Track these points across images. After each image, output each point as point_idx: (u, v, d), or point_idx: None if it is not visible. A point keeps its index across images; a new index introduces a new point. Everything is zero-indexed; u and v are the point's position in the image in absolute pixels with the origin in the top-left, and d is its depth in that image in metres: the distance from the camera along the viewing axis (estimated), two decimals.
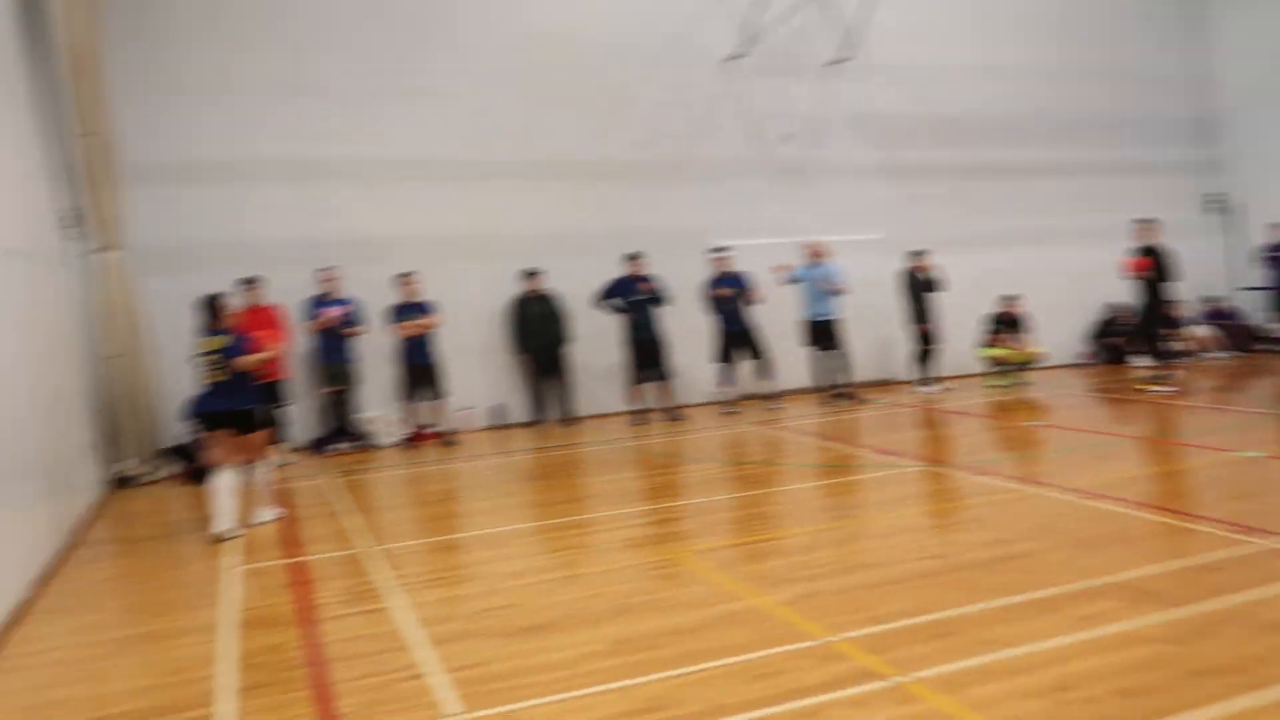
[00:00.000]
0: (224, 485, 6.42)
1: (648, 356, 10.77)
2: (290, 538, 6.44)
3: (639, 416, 10.82)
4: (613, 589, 4.95)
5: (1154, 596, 4.29)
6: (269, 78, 10.38)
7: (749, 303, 11.15)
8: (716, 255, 11.15)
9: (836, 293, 11.27)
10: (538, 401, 11.02)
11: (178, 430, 9.25)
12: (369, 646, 4.35)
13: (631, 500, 7.31)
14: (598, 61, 11.74)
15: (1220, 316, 14.53)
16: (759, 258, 11.58)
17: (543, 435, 10.51)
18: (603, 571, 5.31)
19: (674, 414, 10.93)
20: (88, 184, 8.52)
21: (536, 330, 10.74)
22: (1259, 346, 14.36)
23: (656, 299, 10.80)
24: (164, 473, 8.99)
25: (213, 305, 6.64)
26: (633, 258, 10.81)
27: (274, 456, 7.50)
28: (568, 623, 4.46)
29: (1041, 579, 4.63)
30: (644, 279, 10.82)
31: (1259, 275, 14.08)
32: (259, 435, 6.80)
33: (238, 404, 6.58)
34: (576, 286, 11.06)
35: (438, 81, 11.05)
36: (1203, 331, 14.12)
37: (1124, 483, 6.59)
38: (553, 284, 11.00)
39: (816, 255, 11.37)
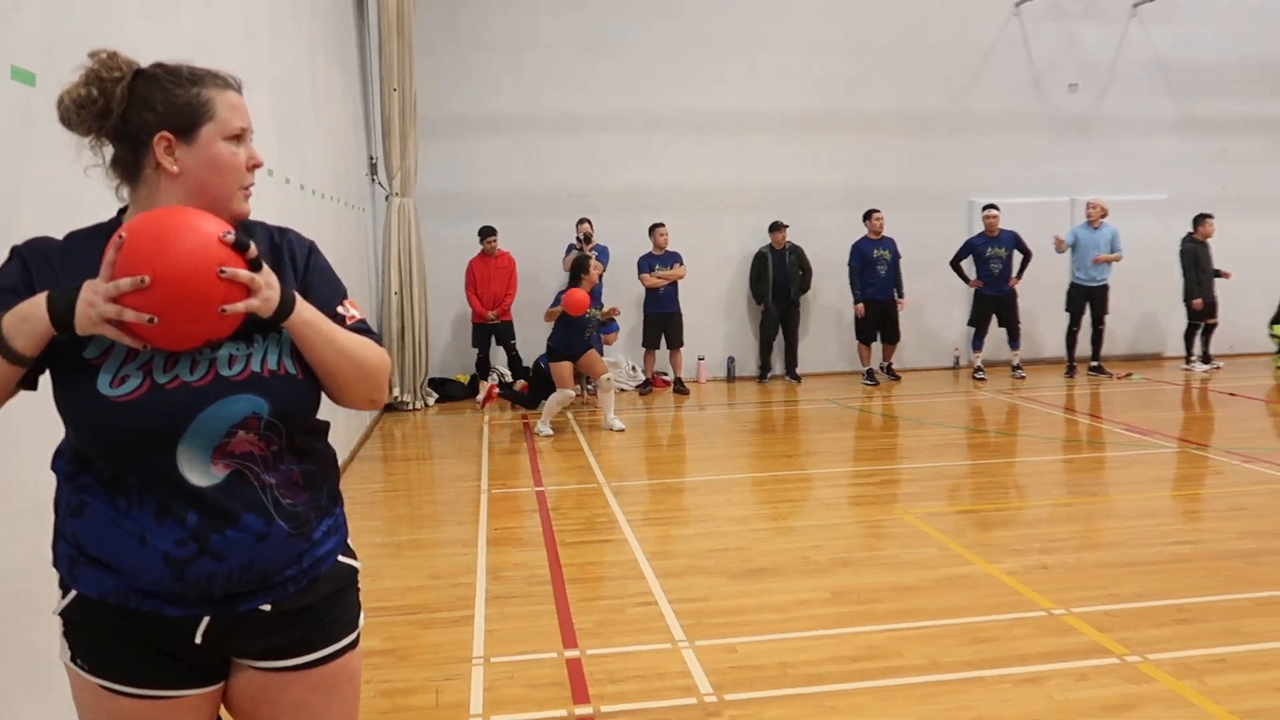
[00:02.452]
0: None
1: (882, 316, 10.58)
2: (535, 470, 7.01)
3: (869, 377, 10.69)
4: (834, 542, 5.05)
5: None
6: (567, 37, 10.86)
7: (1023, 265, 10.59)
8: (988, 214, 10.63)
9: (1112, 259, 10.47)
10: (766, 355, 11.13)
11: (443, 362, 10.22)
12: (604, 572, 4.72)
13: (857, 459, 7.32)
14: (871, 4, 11.38)
15: None
16: (1029, 218, 10.97)
17: (768, 389, 10.63)
18: (825, 525, 5.41)
19: (890, 373, 10.76)
20: (390, 136, 9.46)
21: (775, 283, 10.81)
22: None
23: (895, 259, 10.54)
24: (428, 401, 9.94)
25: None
26: (870, 215, 10.59)
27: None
28: (788, 569, 4.62)
29: None
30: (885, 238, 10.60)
31: None
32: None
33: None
34: (829, 241, 10.95)
35: (718, 35, 11.05)
36: None
37: None
38: (805, 239, 10.94)
39: (1095, 216, 10.56)
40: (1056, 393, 9.89)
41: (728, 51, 11.08)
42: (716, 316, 11.40)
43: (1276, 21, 11.91)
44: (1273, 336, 11.25)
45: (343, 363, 1.58)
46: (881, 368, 10.86)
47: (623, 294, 10.44)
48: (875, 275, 10.52)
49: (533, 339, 9.92)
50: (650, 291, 10.45)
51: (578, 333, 8.21)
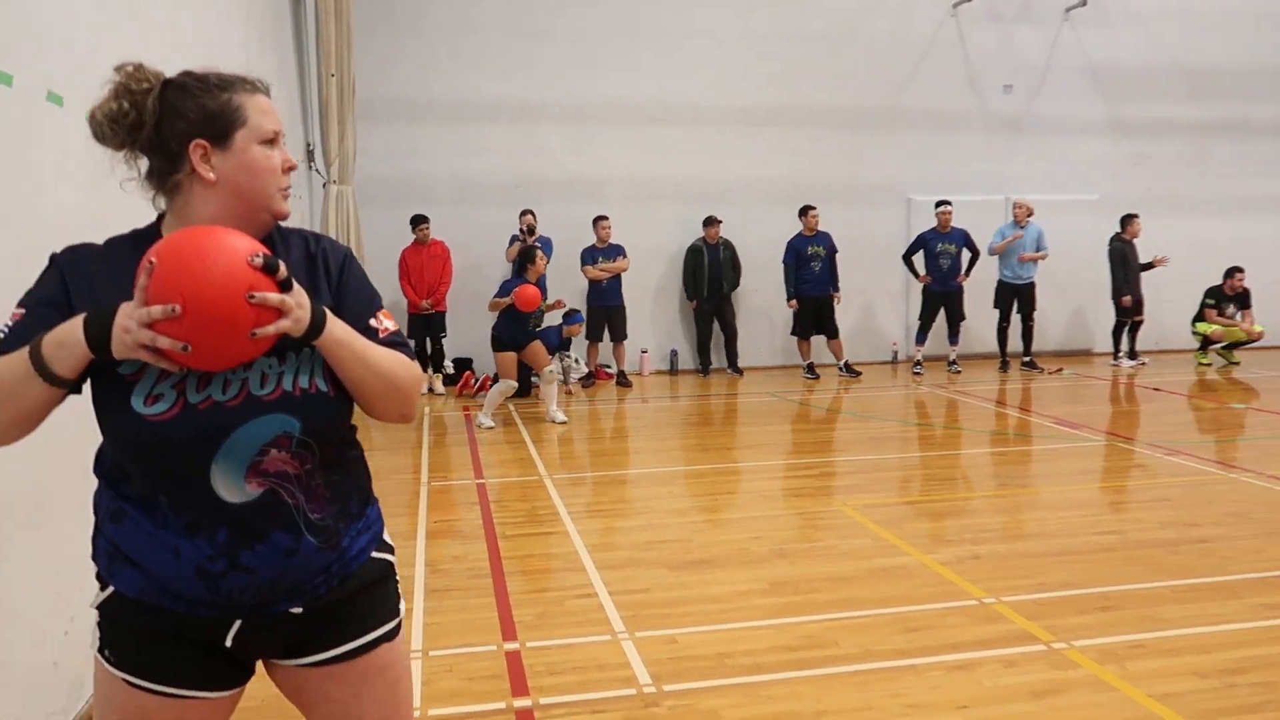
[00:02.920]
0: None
1: (818, 312, 10.70)
2: (476, 462, 6.96)
3: (810, 371, 10.82)
4: (773, 534, 5.11)
5: None
6: (507, 22, 10.74)
7: (970, 263, 10.83)
8: (941, 210, 10.83)
9: (1037, 257, 10.77)
10: (705, 349, 11.20)
11: None
12: (545, 564, 4.72)
13: (796, 452, 7.41)
14: (819, 1, 11.50)
15: None
16: (965, 216, 11.21)
17: (710, 383, 10.71)
18: (764, 516, 5.48)
19: (849, 370, 10.86)
20: (328, 122, 9.28)
21: (707, 277, 10.88)
22: None
23: (830, 255, 10.65)
24: None
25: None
26: (806, 211, 10.68)
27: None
28: (728, 561, 4.67)
29: (1224, 564, 4.44)
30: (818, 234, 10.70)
31: None
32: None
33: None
34: (768, 236, 11.06)
35: (659, 25, 11.06)
36: None
37: None
38: (743, 233, 11.04)
39: (1022, 216, 10.84)
40: (990, 387, 10.13)
41: (669, 41, 11.12)
42: (660, 309, 11.45)
43: (1198, 30, 12.32)
44: (1195, 334, 11.66)
45: (374, 380, 1.59)
46: (840, 367, 10.97)
47: (566, 287, 10.42)
48: (810, 271, 10.62)
49: (473, 330, 9.85)
50: (593, 284, 10.45)
51: (522, 325, 8.18)
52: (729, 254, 10.89)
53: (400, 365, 1.64)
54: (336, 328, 1.54)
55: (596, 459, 7.29)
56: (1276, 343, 12.43)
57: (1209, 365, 11.41)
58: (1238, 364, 11.39)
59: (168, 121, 1.51)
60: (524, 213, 10.23)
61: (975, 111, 12.01)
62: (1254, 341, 11.56)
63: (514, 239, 10.31)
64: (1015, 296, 10.93)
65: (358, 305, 1.67)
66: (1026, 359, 11.14)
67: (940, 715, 3.13)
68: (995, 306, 11.07)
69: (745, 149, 11.37)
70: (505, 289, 8.19)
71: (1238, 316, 11.49)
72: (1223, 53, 12.40)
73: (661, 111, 11.14)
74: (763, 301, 11.50)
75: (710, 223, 10.82)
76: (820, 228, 10.70)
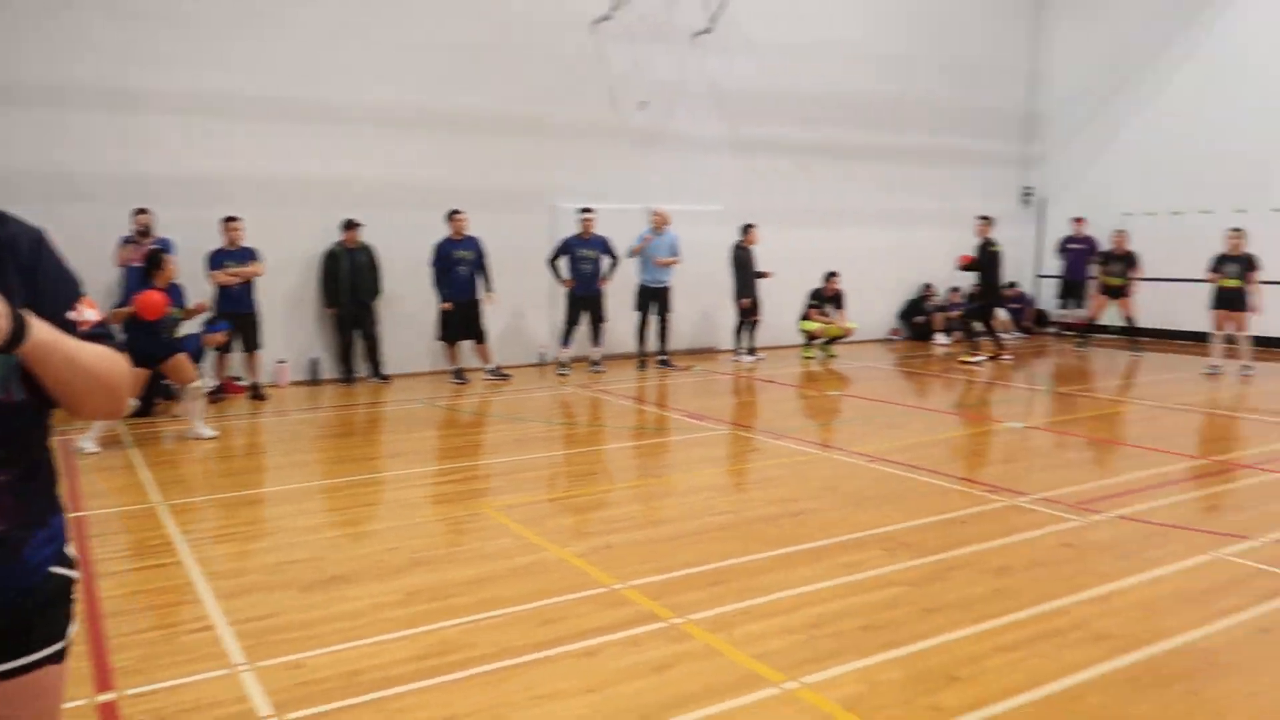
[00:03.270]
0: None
1: (465, 316, 10.72)
2: (74, 492, 6.14)
3: (458, 376, 10.80)
4: (412, 542, 5.02)
5: (908, 546, 4.76)
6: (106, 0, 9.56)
7: (610, 268, 11.31)
8: (585, 217, 11.18)
9: (671, 261, 11.57)
10: (348, 357, 10.79)
11: None
12: (154, 600, 4.26)
13: (440, 458, 7.35)
14: (461, 6, 11.44)
15: (1015, 301, 15.85)
16: (606, 223, 11.74)
17: (355, 392, 10.34)
18: (403, 526, 5.37)
19: (498, 374, 10.98)
20: None
21: (346, 283, 10.48)
22: (1045, 330, 15.83)
23: (478, 259, 10.72)
24: None
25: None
26: (452, 215, 10.66)
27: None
28: (362, 575, 4.51)
29: (815, 532, 5.04)
30: (467, 238, 10.73)
31: (1057, 265, 15.45)
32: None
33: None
34: (414, 240, 10.85)
35: (282, 10, 10.43)
36: (1000, 314, 15.34)
37: (905, 448, 7.18)
38: (385, 236, 10.74)
39: (659, 223, 11.60)
40: (629, 385, 10.73)
41: (305, 34, 10.54)
42: (297, 317, 10.82)
43: (801, 62, 13.94)
44: (801, 331, 13.19)
45: (83, 381, 1.46)
46: (488, 371, 10.99)
47: (191, 293, 9.50)
48: (458, 275, 10.62)
49: None
50: (223, 290, 9.64)
51: (152, 335, 7.33)
52: (368, 259, 10.56)
53: (108, 361, 1.53)
54: (40, 331, 1.38)
55: (223, 480, 6.72)
56: (864, 337, 14.42)
57: (813, 358, 12.94)
58: (835, 357, 13.03)
59: None
60: (137, 211, 9.20)
61: (615, 125, 12.68)
62: (847, 336, 13.31)
63: (125, 240, 9.24)
64: (653, 299, 11.69)
65: (56, 296, 1.53)
66: (662, 357, 11.94)
67: (569, 701, 3.24)
68: (636, 309, 11.76)
69: (388, 151, 11.08)
70: (129, 298, 7.32)
71: (834, 315, 13.15)
72: (821, 83, 14.16)
73: (298, 109, 10.54)
74: (411, 307, 11.28)
75: (349, 226, 10.42)
76: (469, 232, 10.72)
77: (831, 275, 13.20)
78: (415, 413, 9.12)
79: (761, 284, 12.49)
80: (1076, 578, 4.32)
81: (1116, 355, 13.21)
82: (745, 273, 12.28)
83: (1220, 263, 11.04)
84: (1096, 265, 13.82)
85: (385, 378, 10.81)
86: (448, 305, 10.61)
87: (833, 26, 14.17)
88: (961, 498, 5.72)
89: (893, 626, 3.76)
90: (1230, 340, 11.15)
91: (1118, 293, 13.38)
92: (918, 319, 15.17)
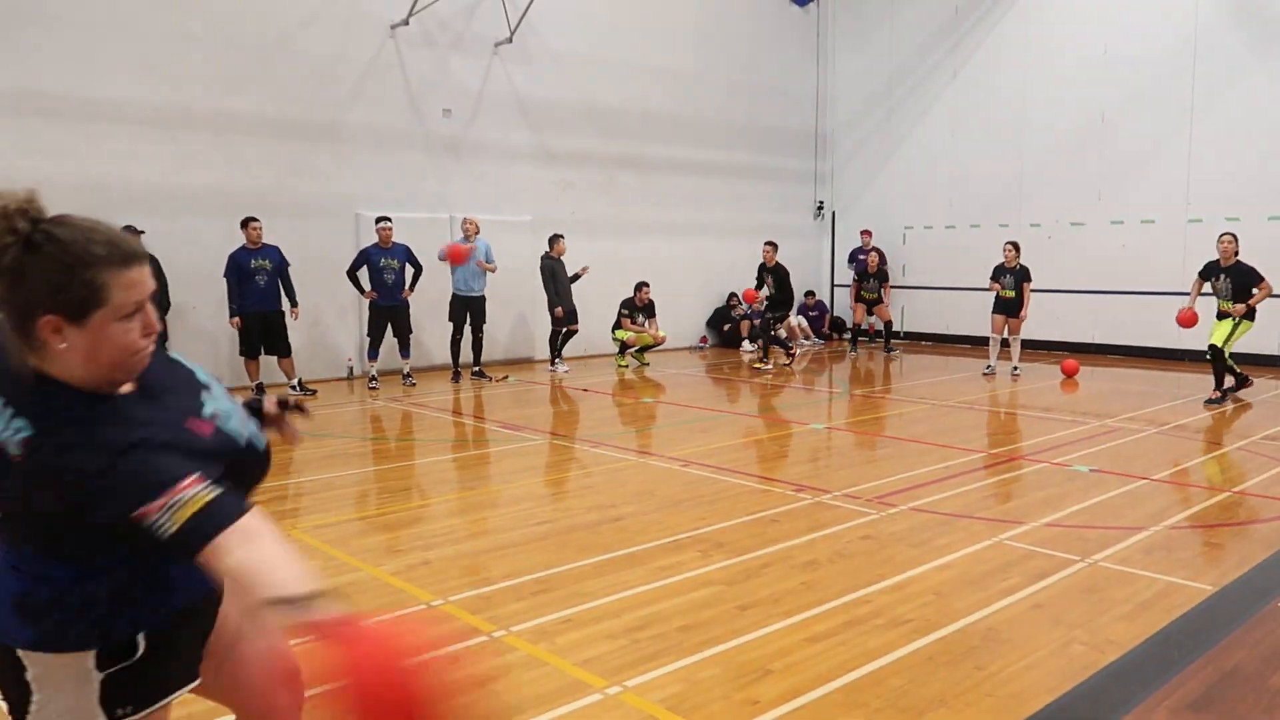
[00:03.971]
0: None
1: (266, 329, 10.17)
2: None
3: (259, 392, 10.24)
4: None
5: (723, 546, 4.92)
6: None
7: (414, 277, 11.01)
8: (382, 226, 10.81)
9: (485, 271, 11.42)
10: None
11: None
12: None
13: None
14: (248, 2, 10.79)
15: (811, 309, 16.75)
16: (412, 232, 11.45)
17: None
18: None
19: (303, 389, 10.49)
20: None
21: None
22: (840, 336, 16.81)
23: (278, 269, 10.20)
24: None
25: None
26: (244, 224, 10.09)
27: None
28: None
29: (634, 537, 5.12)
30: (267, 247, 10.19)
31: (847, 275, 16.44)
32: None
33: None
34: (206, 250, 10.18)
35: (53, 8, 9.51)
36: (798, 321, 16.18)
37: (717, 451, 7.43)
38: (169, 245, 10.02)
39: (471, 232, 11.40)
40: (444, 397, 10.53)
41: (63, 24, 9.68)
42: None
43: (603, 76, 14.18)
44: (614, 340, 13.38)
45: None
46: (292, 386, 10.46)
47: None
48: (255, 286, 10.06)
49: None
50: None
51: None
52: (154, 270, 9.80)
53: None
54: None
55: None
56: (675, 345, 14.81)
57: (626, 367, 13.15)
58: (648, 365, 13.30)
59: (22, 285, 1.49)
60: None
61: (418, 132, 12.40)
62: (659, 345, 13.62)
63: None
64: (468, 309, 11.51)
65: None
66: (477, 369, 11.79)
67: None
68: (450, 320, 11.54)
69: (166, 154, 10.33)
70: None
71: (646, 324, 13.43)
72: (624, 97, 14.42)
73: (54, 104, 9.65)
74: (204, 320, 10.60)
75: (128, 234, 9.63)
76: (266, 240, 10.18)
77: (642, 285, 13.48)
78: None
79: (575, 294, 12.56)
80: (877, 568, 4.60)
81: (893, 360, 14.20)
82: (556, 282, 12.32)
83: (998, 274, 12.10)
84: (855, 282, 14.89)
85: None
86: (236, 320, 10.01)
87: (632, 44, 14.53)
88: (771, 497, 5.98)
89: (710, 625, 3.88)
90: (1005, 344, 12.23)
91: (873, 304, 14.52)
92: (725, 327, 15.74)
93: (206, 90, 10.55)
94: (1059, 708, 3.21)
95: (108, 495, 1.51)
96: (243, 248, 10.06)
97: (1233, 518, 5.61)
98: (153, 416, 1.62)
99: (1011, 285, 11.95)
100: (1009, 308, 12.02)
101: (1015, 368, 12.05)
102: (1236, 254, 9.73)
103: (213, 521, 1.52)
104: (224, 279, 10.02)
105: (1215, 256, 9.88)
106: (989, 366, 12.23)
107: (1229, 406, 9.57)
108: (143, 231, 9.73)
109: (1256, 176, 12.56)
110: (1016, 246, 12.09)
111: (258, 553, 1.53)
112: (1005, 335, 12.18)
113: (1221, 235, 9.88)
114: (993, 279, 12.14)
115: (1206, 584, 4.37)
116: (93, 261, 1.52)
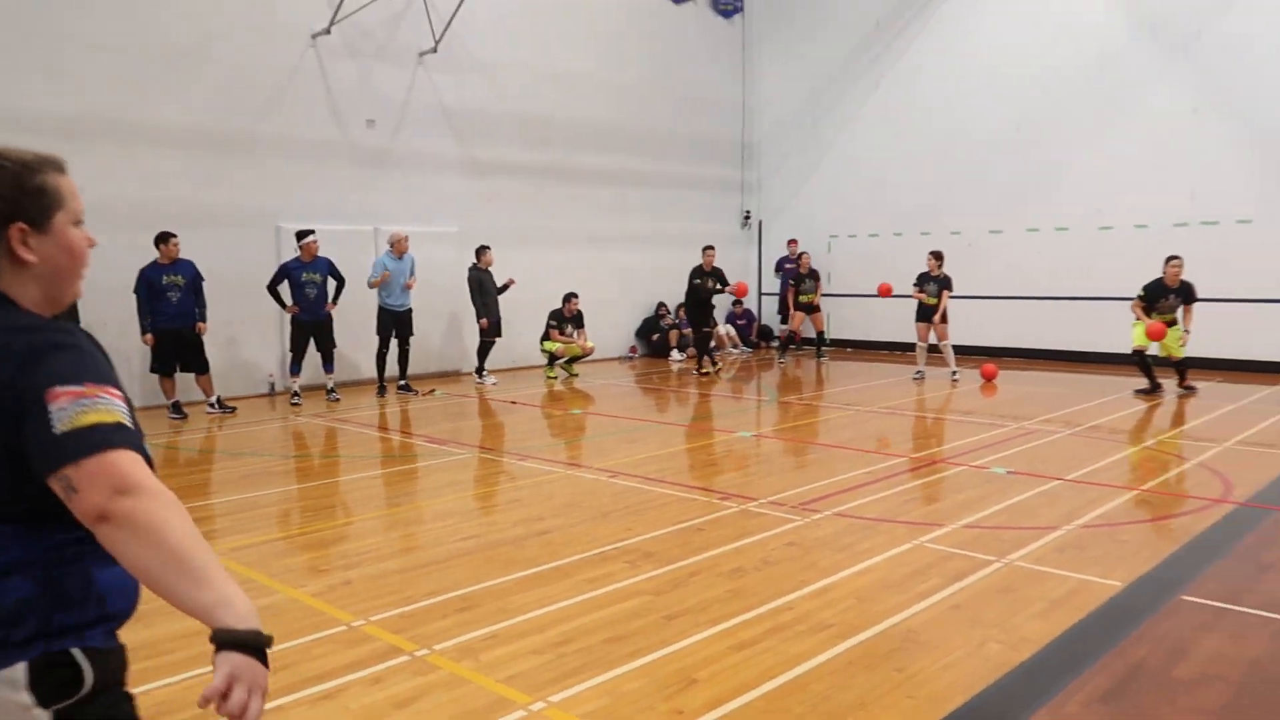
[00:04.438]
0: None
1: (181, 346, 9.86)
2: None
3: (176, 410, 9.93)
4: None
5: (650, 557, 4.92)
6: None
7: (337, 290, 10.80)
8: (308, 241, 10.57)
9: (410, 284, 11.27)
10: None
11: None
12: None
13: None
14: (159, 9, 10.48)
15: (740, 317, 16.91)
16: (336, 245, 11.22)
17: None
18: None
19: (221, 406, 10.21)
20: None
21: None
22: (768, 344, 17.00)
23: (192, 285, 9.90)
24: None
25: None
26: (162, 239, 9.77)
27: None
28: None
29: (561, 550, 5.09)
30: (181, 262, 9.89)
31: (775, 283, 16.64)
32: None
33: None
34: (113, 263, 9.79)
35: None
36: (726, 330, 16.33)
37: (645, 462, 7.43)
38: None
39: (400, 246, 11.23)
40: (370, 412, 10.35)
41: None
42: None
43: (532, 85, 14.13)
44: (543, 351, 13.31)
45: None
46: (210, 404, 10.16)
47: None
48: (168, 304, 9.73)
49: None
50: None
51: None
52: None
53: None
54: None
55: None
56: (604, 356, 14.80)
57: (555, 378, 13.10)
58: (577, 375, 13.26)
59: None
60: None
61: (340, 143, 12.19)
62: (588, 355, 13.59)
63: None
64: (396, 323, 11.34)
65: None
66: (403, 382, 11.61)
67: None
68: (378, 333, 11.36)
69: (72, 165, 9.86)
70: None
71: (575, 335, 13.39)
72: (551, 106, 14.40)
73: None
74: (114, 337, 10.21)
75: None
76: (181, 255, 9.88)
77: (571, 296, 13.44)
78: None
79: (504, 305, 12.47)
80: (801, 574, 4.65)
81: (823, 365, 14.42)
82: (483, 293, 12.21)
83: (922, 281, 12.36)
84: (791, 285, 15.03)
85: None
86: (149, 338, 9.70)
87: (559, 54, 14.50)
88: (698, 506, 6.01)
89: (636, 636, 3.87)
90: (934, 349, 12.50)
91: (811, 308, 14.67)
92: (654, 336, 15.79)
93: (113, 100, 10.22)
94: (974, 707, 3.28)
95: (30, 369, 1.43)
96: (154, 263, 9.75)
97: (1141, 516, 5.81)
98: (93, 349, 1.56)
99: (934, 293, 12.23)
100: (931, 314, 12.29)
101: (954, 372, 12.30)
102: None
103: (119, 436, 1.41)
104: (134, 294, 9.70)
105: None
106: (918, 372, 12.48)
107: (1164, 399, 9.95)
108: None
109: (1165, 184, 13.09)
110: (939, 255, 12.38)
111: (180, 529, 1.41)
112: (933, 341, 12.43)
113: (1171, 260, 10.48)
114: (916, 286, 12.40)
115: (1116, 580, 4.52)
116: (38, 168, 1.59)
